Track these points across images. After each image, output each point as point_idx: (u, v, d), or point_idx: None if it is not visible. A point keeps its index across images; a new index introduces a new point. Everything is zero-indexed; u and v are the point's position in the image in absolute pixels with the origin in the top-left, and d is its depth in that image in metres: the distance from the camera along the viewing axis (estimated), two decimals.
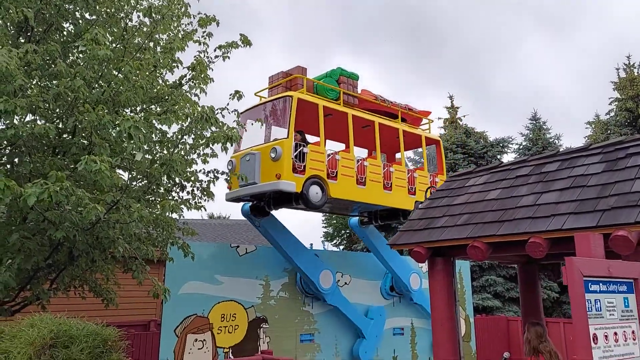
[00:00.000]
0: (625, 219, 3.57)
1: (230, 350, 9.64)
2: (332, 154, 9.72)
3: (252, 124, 9.80)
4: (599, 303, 2.88)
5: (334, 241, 40.54)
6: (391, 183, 10.83)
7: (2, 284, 4.56)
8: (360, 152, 11.27)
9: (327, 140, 10.41)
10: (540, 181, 4.79)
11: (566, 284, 2.76)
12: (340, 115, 10.13)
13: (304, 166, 9.07)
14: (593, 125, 23.83)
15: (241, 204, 10.50)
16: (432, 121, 12.72)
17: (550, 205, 4.32)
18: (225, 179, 7.29)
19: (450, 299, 5.27)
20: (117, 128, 4.59)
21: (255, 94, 10.54)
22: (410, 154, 20.50)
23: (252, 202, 10.05)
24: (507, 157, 22.53)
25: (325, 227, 42.05)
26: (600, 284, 2.90)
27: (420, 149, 12.42)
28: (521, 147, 22.24)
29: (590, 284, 2.84)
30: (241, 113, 9.92)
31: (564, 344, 11.56)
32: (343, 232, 39.40)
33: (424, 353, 13.26)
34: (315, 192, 9.15)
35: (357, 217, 12.36)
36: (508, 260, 7.06)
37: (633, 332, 3.00)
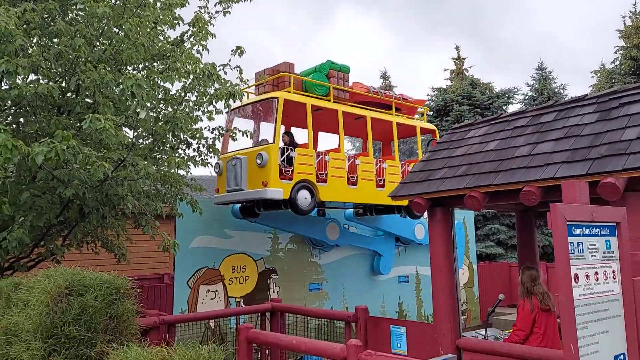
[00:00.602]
0: (613, 166, 3.68)
1: (242, 300, 10.06)
2: (321, 155, 9.28)
3: (237, 131, 8.97)
4: (581, 245, 3.03)
5: None
6: (384, 180, 10.43)
7: (16, 240, 4.80)
8: (355, 142, 10.78)
9: (319, 132, 10.18)
10: (536, 132, 4.87)
11: (551, 229, 2.91)
12: (331, 111, 9.65)
13: (292, 171, 8.63)
14: (598, 74, 23.46)
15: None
16: (428, 109, 12.17)
17: (545, 155, 4.42)
18: (231, 136, 7.41)
19: (449, 247, 5.47)
20: (120, 86, 4.68)
21: (242, 90, 9.30)
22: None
23: (241, 204, 9.71)
24: (513, 108, 22.37)
25: None
26: (584, 227, 3.04)
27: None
28: (527, 97, 22.03)
29: (573, 228, 2.99)
30: (228, 112, 9.37)
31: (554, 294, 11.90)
32: None
33: (429, 299, 13.71)
34: (304, 197, 8.74)
35: (353, 210, 11.98)
36: (506, 208, 7.23)
37: (613, 271, 3.16)
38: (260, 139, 9.39)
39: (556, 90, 21.38)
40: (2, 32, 4.57)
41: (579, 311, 2.94)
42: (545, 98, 20.65)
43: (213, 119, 7.47)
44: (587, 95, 4.92)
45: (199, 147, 7.50)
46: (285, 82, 9.27)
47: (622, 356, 3.13)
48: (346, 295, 11.97)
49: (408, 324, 6.16)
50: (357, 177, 9.85)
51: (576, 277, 2.97)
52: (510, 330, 5.81)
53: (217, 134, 7.43)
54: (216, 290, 9.73)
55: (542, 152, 4.49)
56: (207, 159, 7.77)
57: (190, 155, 7.57)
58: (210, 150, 7.51)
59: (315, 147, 10.70)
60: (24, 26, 5.26)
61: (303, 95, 9.30)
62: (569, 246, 2.95)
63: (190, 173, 7.66)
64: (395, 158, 10.99)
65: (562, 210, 2.89)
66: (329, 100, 9.65)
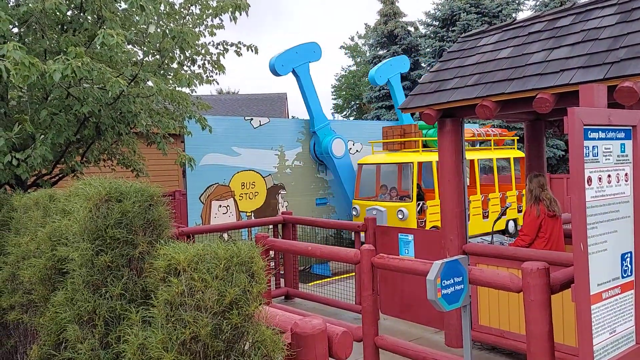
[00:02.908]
0: (632, 70, 3.66)
1: (252, 214, 10.40)
2: None
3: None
4: (596, 149, 3.11)
5: (344, 112, 40.70)
6: None
7: (40, 157, 4.91)
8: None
9: None
10: (552, 37, 4.77)
11: (566, 132, 2.97)
12: None
13: None
14: None
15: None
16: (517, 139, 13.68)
17: (560, 61, 4.37)
18: (235, 51, 7.26)
19: (458, 157, 5.56)
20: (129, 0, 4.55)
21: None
22: None
23: None
24: (523, 15, 21.57)
25: (335, 99, 41.93)
26: (600, 131, 3.10)
27: None
28: (538, 2, 21.15)
29: (589, 131, 3.05)
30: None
31: (565, 198, 12.24)
32: (352, 103, 39.35)
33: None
34: None
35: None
36: (515, 118, 7.24)
37: (626, 174, 3.27)
38: None
39: None
40: None
41: (590, 212, 3.07)
42: (557, 3, 19.85)
43: (215, 34, 7.27)
44: None
45: (204, 64, 7.37)
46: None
47: (629, 254, 3.32)
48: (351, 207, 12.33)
49: (415, 231, 6.40)
50: None
51: (589, 179, 3.08)
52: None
53: (222, 49, 7.27)
54: (227, 206, 10.03)
55: (557, 57, 4.43)
56: (212, 76, 7.65)
57: (196, 72, 7.46)
58: (215, 66, 7.39)
59: None
60: None
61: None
62: (584, 150, 3.03)
63: (195, 92, 7.60)
64: None
65: (579, 113, 2.94)
66: None
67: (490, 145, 12.60)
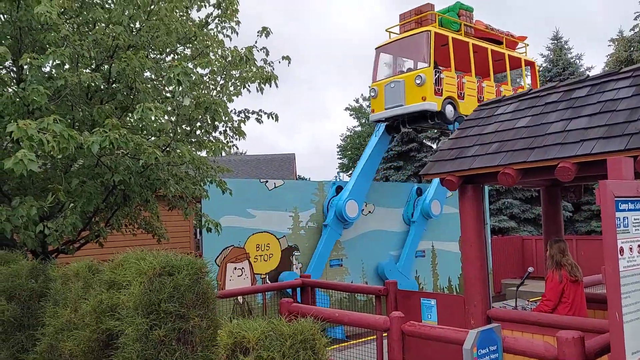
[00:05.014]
0: None
1: (267, 276, 10.36)
2: (459, 77, 11.78)
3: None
4: (627, 220, 3.20)
5: (350, 172, 41.09)
6: None
7: (71, 225, 5.01)
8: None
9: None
10: (569, 107, 4.97)
11: (599, 205, 3.07)
12: (463, 44, 11.97)
13: (441, 89, 11.19)
14: (616, 43, 23.12)
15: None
16: (528, 45, 14.41)
17: (580, 131, 4.54)
18: (257, 118, 7.51)
19: (480, 223, 5.63)
20: (165, 74, 4.80)
21: (386, 30, 12.49)
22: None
23: (389, 122, 12.19)
24: (528, 80, 22.23)
25: (340, 158, 42.44)
26: (629, 202, 3.20)
27: (518, 70, 14.65)
28: (541, 68, 21.87)
29: (620, 203, 3.15)
30: (376, 48, 12.40)
31: (577, 258, 12.21)
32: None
33: (444, 273, 14.02)
34: (450, 110, 11.36)
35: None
36: (532, 183, 7.37)
37: None
38: (406, 69, 12.25)
39: (572, 60, 21.19)
40: (48, 23, 4.68)
41: (623, 282, 3.12)
42: (560, 69, 20.51)
43: (232, 100, 7.57)
44: (621, 69, 4.99)
45: (225, 130, 7.61)
46: (428, 20, 11.68)
47: None
48: (365, 269, 12.27)
49: (438, 296, 6.37)
50: (483, 97, 12.24)
51: (621, 250, 3.15)
52: (537, 299, 6.02)
53: (244, 116, 7.53)
54: (242, 268, 10.02)
55: (576, 128, 4.60)
56: (232, 142, 7.87)
57: (217, 138, 7.68)
58: (236, 132, 7.62)
59: None
60: (62, 15, 5.35)
61: (444, 29, 11.75)
62: (616, 221, 3.11)
63: (212, 155, 7.80)
64: (508, 84, 13.62)
65: (611, 186, 3.05)
66: (461, 35, 12.07)
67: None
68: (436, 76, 11.13)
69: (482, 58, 12.58)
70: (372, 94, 12.08)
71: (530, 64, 14.25)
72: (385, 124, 12.31)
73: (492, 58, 12.78)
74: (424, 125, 12.70)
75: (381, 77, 12.22)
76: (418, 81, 10.96)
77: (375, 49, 12.46)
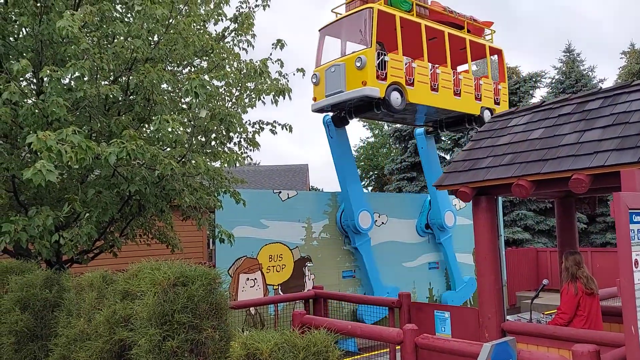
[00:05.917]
0: None
1: (280, 287, 10.36)
2: (408, 62, 10.53)
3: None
4: None
5: (363, 182, 41.08)
6: (460, 89, 11.58)
7: (86, 235, 5.09)
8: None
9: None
10: (582, 119, 4.95)
11: (613, 217, 3.05)
12: (414, 26, 10.79)
13: (386, 74, 9.94)
14: (628, 55, 22.96)
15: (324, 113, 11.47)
16: (494, 32, 13.17)
17: (593, 143, 4.52)
18: (271, 130, 7.59)
19: (494, 234, 5.60)
20: (182, 86, 4.88)
21: (331, 11, 11.32)
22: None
23: (335, 113, 11.07)
24: (540, 92, 22.19)
25: None
26: None
27: (483, 59, 13.28)
28: (554, 80, 21.76)
29: (634, 215, 3.13)
30: (319, 30, 11.21)
31: (592, 270, 12.06)
32: (371, 173, 39.77)
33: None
34: (395, 97, 10.06)
35: (423, 127, 13.30)
36: (545, 195, 7.31)
37: None
38: (350, 52, 10.64)
39: (584, 72, 21.07)
40: (69, 37, 4.80)
41: (639, 294, 3.09)
42: (573, 81, 20.40)
43: (246, 111, 7.64)
44: (633, 81, 4.98)
45: (239, 141, 7.69)
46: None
47: None
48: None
49: (451, 308, 6.33)
50: (438, 84, 11.06)
51: (636, 262, 3.12)
52: (552, 312, 5.95)
53: (258, 127, 7.61)
54: (255, 279, 10.04)
55: (590, 139, 4.59)
56: (246, 152, 7.95)
57: (231, 149, 7.75)
58: (251, 143, 7.70)
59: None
60: (83, 29, 5.48)
61: (392, 8, 10.44)
62: (630, 233, 3.09)
63: (226, 166, 7.89)
64: (469, 72, 12.10)
65: (625, 198, 3.03)
66: (412, 15, 10.79)
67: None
68: (379, 59, 9.85)
69: (439, 43, 11.44)
70: (314, 80, 10.79)
71: (496, 51, 12.91)
72: (330, 116, 11.23)
73: (452, 43, 11.60)
74: (372, 117, 11.50)
75: (325, 62, 10.91)
76: (358, 64, 9.65)
77: (319, 30, 11.21)
